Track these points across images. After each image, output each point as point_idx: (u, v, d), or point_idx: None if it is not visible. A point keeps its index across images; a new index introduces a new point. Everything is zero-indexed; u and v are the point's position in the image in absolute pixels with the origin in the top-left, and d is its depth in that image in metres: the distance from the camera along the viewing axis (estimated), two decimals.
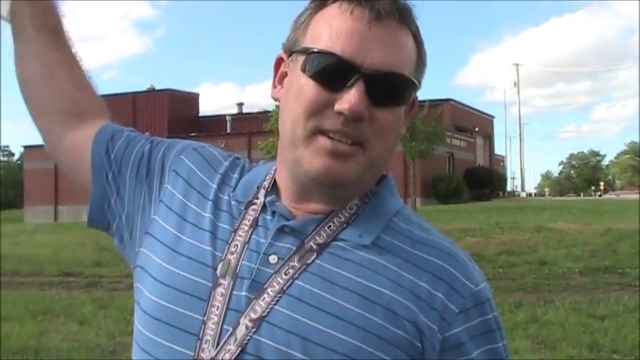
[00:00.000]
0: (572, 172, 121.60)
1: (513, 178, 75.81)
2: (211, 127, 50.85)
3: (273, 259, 1.16)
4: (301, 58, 1.16)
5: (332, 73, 1.12)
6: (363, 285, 1.13)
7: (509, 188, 62.23)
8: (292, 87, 1.17)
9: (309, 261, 1.15)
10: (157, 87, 53.42)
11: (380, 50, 1.12)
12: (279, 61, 1.26)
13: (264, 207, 1.23)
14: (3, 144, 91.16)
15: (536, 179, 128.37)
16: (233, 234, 1.20)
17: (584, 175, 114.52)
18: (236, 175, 1.31)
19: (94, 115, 1.42)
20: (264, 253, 1.17)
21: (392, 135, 1.17)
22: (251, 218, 1.22)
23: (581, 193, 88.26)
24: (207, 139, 45.28)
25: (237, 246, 1.18)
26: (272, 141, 28.83)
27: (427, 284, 1.14)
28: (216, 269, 1.17)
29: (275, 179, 1.26)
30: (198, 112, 56.84)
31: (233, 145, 43.38)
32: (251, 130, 42.42)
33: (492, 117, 59.43)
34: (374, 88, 1.11)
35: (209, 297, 1.14)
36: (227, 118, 52.10)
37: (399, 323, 1.11)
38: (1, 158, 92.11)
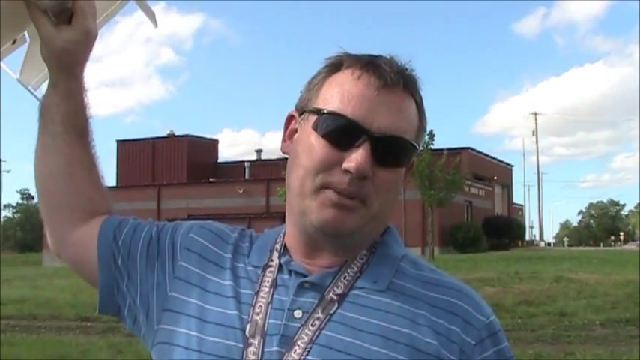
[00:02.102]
0: (592, 221, 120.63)
1: (532, 228, 75.46)
2: (230, 173, 51.10)
3: (297, 313, 1.22)
4: (313, 118, 1.24)
5: (342, 133, 1.20)
6: (384, 327, 1.19)
7: (527, 237, 61.84)
8: (303, 144, 1.25)
9: (332, 311, 1.21)
10: (178, 132, 53.99)
11: (387, 115, 1.21)
12: (289, 118, 1.34)
13: (280, 267, 1.29)
14: (22, 187, 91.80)
15: (554, 229, 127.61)
16: (255, 296, 1.26)
17: (603, 224, 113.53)
18: (247, 244, 1.37)
19: (103, 212, 1.45)
20: (288, 309, 1.22)
21: (392, 193, 1.27)
22: (270, 280, 1.28)
23: (601, 243, 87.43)
24: (226, 185, 45.48)
25: (262, 307, 1.24)
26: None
27: (443, 320, 1.22)
28: (244, 331, 1.22)
29: (285, 242, 1.33)
30: (217, 158, 57.25)
31: (251, 192, 43.55)
32: (270, 176, 42.57)
33: (511, 166, 59.41)
34: (379, 149, 1.20)
35: (242, 357, 1.19)
36: (246, 164, 52.35)
37: (423, 358, 1.17)
38: (21, 201, 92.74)
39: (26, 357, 10.77)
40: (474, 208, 45.50)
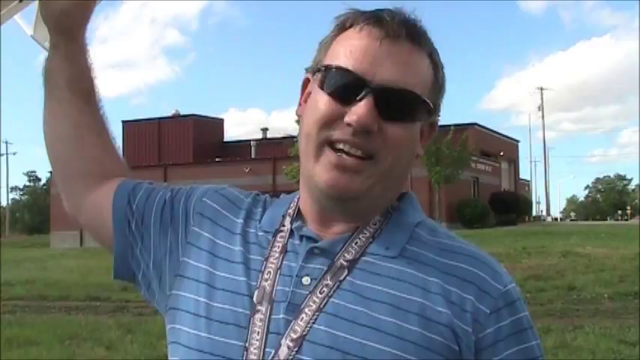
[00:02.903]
0: (599, 196, 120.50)
1: (538, 203, 75.42)
2: (236, 152, 51.14)
3: (306, 280, 1.19)
4: (319, 76, 1.22)
5: (344, 87, 1.18)
6: (394, 296, 1.16)
7: (534, 213, 61.85)
8: (310, 103, 1.24)
9: (342, 278, 1.19)
10: (185, 112, 53.85)
11: (391, 67, 1.18)
12: (306, 82, 1.31)
13: (291, 233, 1.27)
14: (29, 169, 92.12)
15: (561, 204, 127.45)
16: (265, 262, 1.24)
17: (610, 199, 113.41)
18: (259, 209, 1.34)
19: (117, 175, 1.44)
20: (297, 276, 1.20)
21: (404, 150, 1.21)
22: (280, 245, 1.26)
23: (608, 218, 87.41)
24: (232, 164, 45.55)
25: (270, 272, 1.22)
26: (297, 166, 28.89)
27: (457, 288, 1.18)
28: (252, 297, 1.20)
29: (299, 207, 1.30)
30: (223, 137, 57.20)
31: (258, 170, 43.59)
32: (276, 155, 42.58)
33: (517, 141, 59.24)
34: (383, 102, 1.16)
35: (249, 324, 1.18)
36: (252, 143, 52.36)
37: (434, 328, 1.14)
38: (28, 183, 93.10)
39: (36, 337, 10.82)
40: (481, 184, 45.43)
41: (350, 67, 1.18)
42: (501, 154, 51.15)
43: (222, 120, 59.02)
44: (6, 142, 73.05)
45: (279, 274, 1.21)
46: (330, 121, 1.18)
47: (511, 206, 44.65)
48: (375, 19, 1.21)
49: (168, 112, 56.56)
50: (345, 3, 1.27)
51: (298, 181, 1.31)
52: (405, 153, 1.22)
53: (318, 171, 1.19)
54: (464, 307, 1.16)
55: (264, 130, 57.94)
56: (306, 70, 1.31)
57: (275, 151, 44.07)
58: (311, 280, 1.19)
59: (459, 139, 33.22)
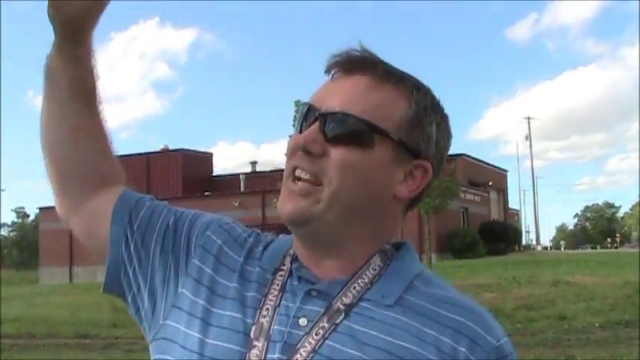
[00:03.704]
0: (588, 224, 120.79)
1: (528, 232, 75.54)
2: (225, 186, 51.08)
3: (303, 321, 1.20)
4: None
5: (301, 118, 1.27)
6: (389, 342, 1.16)
7: (524, 242, 61.87)
8: None
9: (338, 321, 1.19)
10: (174, 147, 53.89)
11: (339, 97, 1.24)
12: None
13: (290, 273, 1.28)
14: (17, 205, 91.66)
15: (551, 232, 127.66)
16: (263, 299, 1.25)
17: (599, 227, 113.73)
18: (260, 248, 1.35)
19: (113, 182, 1.42)
20: (294, 317, 1.21)
21: (354, 175, 1.21)
22: (279, 283, 1.27)
23: (597, 246, 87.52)
24: (222, 198, 45.43)
25: (269, 310, 1.23)
26: None
27: (450, 339, 1.18)
28: (248, 334, 1.20)
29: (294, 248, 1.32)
30: (212, 171, 57.20)
31: (247, 204, 43.51)
32: (265, 188, 42.53)
33: (506, 171, 59.52)
34: (327, 125, 1.22)
35: (244, 359, 1.18)
36: (241, 176, 52.34)
37: None
38: (16, 219, 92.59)
39: None
40: (470, 214, 45.50)
41: (309, 101, 1.27)
42: (490, 183, 51.34)
43: (210, 154, 59.08)
44: None
45: (277, 313, 1.22)
46: (292, 151, 1.24)
47: (500, 236, 44.68)
48: (337, 57, 1.28)
49: (157, 147, 56.66)
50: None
51: None
52: (356, 179, 1.21)
53: (280, 203, 1.25)
54: (456, 358, 1.17)
55: (253, 163, 58.05)
56: None
57: (264, 184, 44.04)
58: (308, 321, 1.20)
59: (448, 169, 33.27)
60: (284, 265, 1.29)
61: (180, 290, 1.30)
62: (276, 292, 1.25)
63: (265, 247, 1.35)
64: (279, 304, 1.23)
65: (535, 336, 12.86)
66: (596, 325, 13.58)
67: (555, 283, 19.57)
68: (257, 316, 1.22)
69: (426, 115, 1.27)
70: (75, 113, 1.37)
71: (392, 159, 1.24)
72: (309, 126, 1.23)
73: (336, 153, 1.20)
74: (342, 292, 1.23)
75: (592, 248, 76.29)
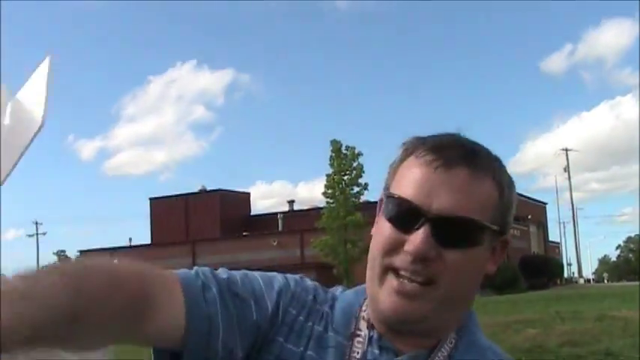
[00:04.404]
0: (631, 255, 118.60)
1: (570, 265, 74.25)
2: (263, 225, 51.26)
3: None
4: (385, 202, 1.28)
5: (403, 216, 1.22)
6: None
7: (566, 275, 60.92)
8: (377, 228, 1.29)
9: None
10: (212, 187, 54.31)
11: (446, 196, 1.20)
12: (380, 202, 1.34)
13: (369, 340, 1.29)
14: (59, 248, 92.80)
15: (593, 264, 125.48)
16: None
17: None
18: (327, 309, 1.34)
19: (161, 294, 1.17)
20: None
21: (466, 274, 1.23)
22: (360, 352, 1.27)
23: None
24: (260, 237, 45.56)
25: None
26: (325, 239, 28.65)
27: None
28: None
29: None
30: (250, 211, 57.48)
31: (285, 243, 43.59)
32: (303, 227, 42.58)
33: (545, 204, 58.95)
34: (440, 231, 1.19)
35: None
36: (279, 216, 52.48)
37: None
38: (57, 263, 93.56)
39: None
40: (510, 248, 43.46)
41: (409, 197, 1.21)
42: (529, 217, 50.80)
43: (248, 194, 59.55)
44: (36, 223, 73.87)
45: None
46: (392, 248, 1.22)
47: (542, 269, 44.13)
48: (433, 146, 1.25)
49: (195, 188, 57.08)
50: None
51: (326, 254, 1.35)
52: (466, 276, 1.24)
53: (381, 296, 1.23)
54: None
55: (291, 202, 58.19)
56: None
57: (302, 223, 44.09)
58: None
59: None
60: (359, 330, 1.30)
61: None
62: None
63: (331, 307, 1.35)
64: None
65: None
66: None
67: (600, 317, 19.16)
68: None
69: (510, 194, 1.29)
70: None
71: (491, 246, 1.28)
72: (417, 228, 1.19)
73: (450, 256, 1.20)
74: None
75: (636, 280, 74.88)
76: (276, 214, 54.06)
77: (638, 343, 14.78)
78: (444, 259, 1.20)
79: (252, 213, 57.76)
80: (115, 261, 1.17)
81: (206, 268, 1.29)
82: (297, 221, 47.96)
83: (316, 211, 36.80)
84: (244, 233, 47.98)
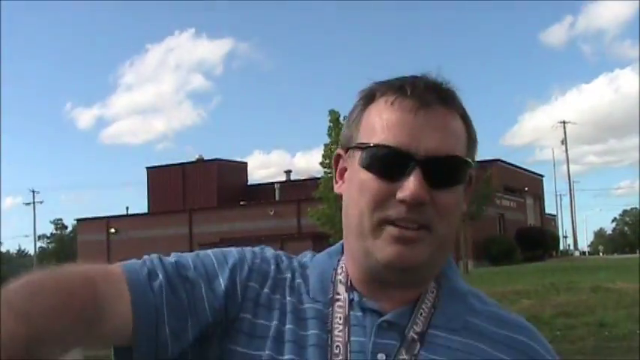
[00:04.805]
0: (626, 228, 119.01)
1: (565, 237, 74.57)
2: (261, 195, 51.28)
3: (381, 356, 1.18)
4: (358, 154, 1.21)
5: (389, 164, 1.16)
6: None
7: (561, 247, 61.20)
8: (354, 182, 1.22)
9: (415, 352, 1.19)
10: (210, 157, 54.30)
11: (430, 136, 1.17)
12: (337, 158, 1.31)
13: (349, 304, 1.25)
14: (55, 217, 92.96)
15: (589, 237, 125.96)
16: (329, 335, 1.21)
17: (638, 231, 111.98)
18: (298, 280, 1.29)
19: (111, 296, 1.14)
20: (371, 352, 1.19)
21: (455, 214, 1.22)
22: (342, 316, 1.23)
23: (637, 250, 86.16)
24: (257, 207, 45.63)
25: (340, 347, 1.19)
26: (322, 209, 28.80)
27: (516, 359, 1.22)
28: None
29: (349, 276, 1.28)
30: (247, 180, 57.47)
31: (283, 213, 43.66)
32: (300, 197, 42.60)
33: (542, 176, 58.92)
34: (431, 172, 1.15)
35: None
36: (276, 185, 52.54)
37: None
38: (55, 231, 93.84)
39: None
40: (507, 220, 45.17)
41: (391, 143, 1.16)
42: (526, 189, 50.87)
43: (245, 163, 59.40)
44: (33, 191, 73.83)
45: (350, 351, 1.19)
46: (382, 200, 1.17)
47: (538, 242, 44.26)
48: (406, 88, 1.20)
49: (192, 157, 57.06)
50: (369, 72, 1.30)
51: (323, 224, 1.31)
52: (454, 217, 1.22)
53: (379, 247, 1.18)
54: None
55: (288, 172, 58.15)
56: (340, 145, 1.31)
57: (299, 193, 44.09)
58: (386, 356, 1.18)
59: (483, 175, 33.07)
60: (338, 294, 1.26)
61: (234, 347, 1.22)
62: (341, 327, 1.21)
63: (303, 276, 1.30)
64: (349, 339, 1.20)
65: (575, 343, 12.73)
66: (638, 332, 13.37)
67: (594, 289, 19.30)
68: (329, 354, 1.19)
69: (473, 128, 1.27)
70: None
71: (466, 183, 1.25)
72: (407, 174, 1.15)
73: (442, 198, 1.17)
74: (412, 321, 1.21)
75: (630, 252, 75.20)
76: (273, 183, 54.09)
77: (632, 315, 14.88)
78: (435, 202, 1.16)
79: (250, 183, 57.78)
80: (61, 268, 1.15)
81: (154, 255, 1.24)
82: (294, 191, 48.00)
83: (313, 181, 36.71)
84: (241, 203, 48.01)
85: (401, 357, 1.18)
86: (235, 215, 45.21)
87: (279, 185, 52.46)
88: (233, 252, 1.29)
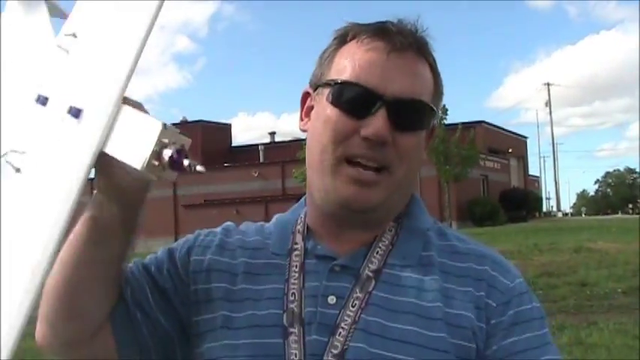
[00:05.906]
0: (609, 190, 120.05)
1: (548, 199, 75.22)
2: (245, 157, 51.30)
3: (331, 299, 1.21)
4: (326, 91, 1.23)
5: (356, 101, 1.19)
6: (418, 305, 1.19)
7: (544, 209, 61.71)
8: (319, 118, 1.24)
9: (370, 289, 1.21)
10: (194, 118, 53.99)
11: (400, 79, 1.20)
12: (305, 96, 1.33)
13: (306, 251, 1.28)
14: None
15: (572, 199, 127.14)
16: (286, 284, 1.25)
17: (620, 193, 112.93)
18: (251, 238, 1.35)
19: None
20: (322, 295, 1.22)
21: (415, 158, 1.25)
22: (298, 264, 1.26)
23: (619, 212, 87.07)
24: (241, 169, 45.61)
25: (295, 294, 1.23)
26: (306, 169, 28.72)
27: (472, 288, 1.22)
28: (278, 326, 1.20)
29: (307, 224, 1.31)
30: (231, 142, 57.34)
31: (267, 175, 43.65)
32: (284, 158, 42.59)
33: (525, 138, 59.19)
34: (396, 114, 1.18)
35: (284, 349, 1.19)
36: (260, 147, 52.48)
37: (458, 333, 1.17)
38: None
39: None
40: (490, 181, 45.38)
41: (361, 82, 1.19)
42: (510, 151, 51.15)
43: (229, 125, 59.22)
44: None
45: (304, 296, 1.22)
46: (346, 136, 1.19)
47: (521, 203, 44.57)
48: (380, 31, 1.23)
49: (177, 119, 56.71)
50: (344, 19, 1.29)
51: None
52: (416, 161, 1.25)
53: (337, 186, 1.20)
54: (478, 305, 1.20)
55: (272, 134, 58.14)
56: (309, 83, 1.32)
57: (283, 155, 44.12)
58: (337, 298, 1.21)
59: (467, 137, 33.17)
60: (296, 243, 1.29)
61: (195, 319, 1.29)
62: (297, 275, 1.25)
63: (262, 235, 1.34)
64: (304, 286, 1.23)
65: (557, 303, 12.84)
66: (619, 291, 13.52)
67: (577, 249, 19.49)
68: (285, 302, 1.22)
69: (441, 79, 1.30)
70: (120, 255, 1.25)
71: (429, 130, 1.28)
72: (373, 113, 1.17)
73: (404, 140, 1.20)
74: (367, 260, 1.24)
75: (612, 214, 76.03)
76: (257, 145, 54.06)
77: (613, 274, 15.07)
78: (397, 144, 1.19)
79: (234, 144, 57.65)
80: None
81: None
82: (278, 153, 48.03)
83: (298, 142, 36.66)
84: (225, 164, 47.92)
85: (355, 295, 1.20)
86: (220, 177, 45.07)
87: (263, 147, 52.46)
88: (181, 240, 1.38)
